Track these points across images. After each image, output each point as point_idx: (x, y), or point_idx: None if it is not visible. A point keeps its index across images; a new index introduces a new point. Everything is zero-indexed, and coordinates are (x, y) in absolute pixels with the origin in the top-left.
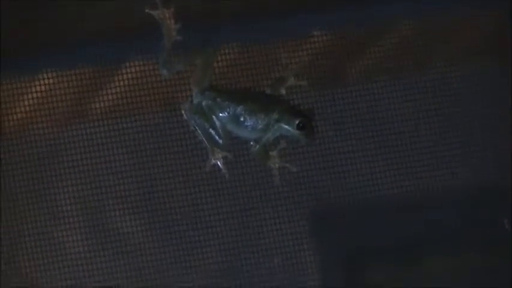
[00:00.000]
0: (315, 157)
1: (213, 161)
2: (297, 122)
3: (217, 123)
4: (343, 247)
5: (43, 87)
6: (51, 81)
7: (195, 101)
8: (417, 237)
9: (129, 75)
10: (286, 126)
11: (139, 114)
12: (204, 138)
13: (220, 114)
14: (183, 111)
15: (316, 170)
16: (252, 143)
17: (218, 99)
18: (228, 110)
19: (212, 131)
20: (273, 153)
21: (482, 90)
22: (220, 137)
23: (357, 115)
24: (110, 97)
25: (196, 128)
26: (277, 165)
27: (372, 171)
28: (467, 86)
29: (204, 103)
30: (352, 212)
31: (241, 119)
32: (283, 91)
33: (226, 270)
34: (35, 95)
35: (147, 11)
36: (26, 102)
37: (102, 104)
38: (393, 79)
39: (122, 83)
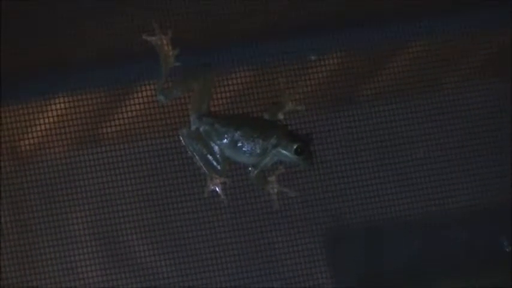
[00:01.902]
0: (314, 181)
1: (212, 187)
2: (294, 146)
3: (216, 148)
4: (351, 272)
5: (55, 112)
6: (63, 105)
7: (193, 127)
8: (426, 259)
9: (143, 99)
10: (284, 151)
11: (151, 138)
12: (202, 164)
13: (218, 140)
14: (180, 137)
15: (314, 195)
16: (250, 168)
17: (216, 125)
18: (226, 135)
19: (210, 157)
20: (272, 178)
21: (492, 110)
22: (218, 163)
23: (357, 138)
24: (122, 121)
25: (194, 154)
26: (275, 190)
27: (372, 194)
28: (478, 106)
29: (202, 129)
30: (350, 236)
31: (239, 144)
32: (281, 116)
33: None
34: (47, 120)
35: (144, 37)
36: (39, 127)
37: (114, 128)
38: (397, 101)
39: (134, 107)
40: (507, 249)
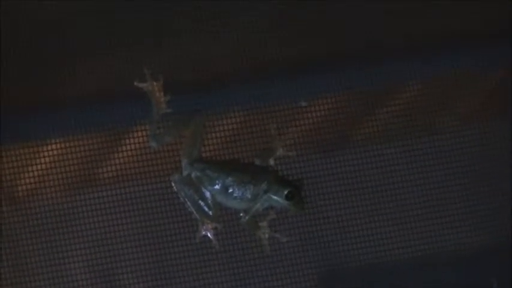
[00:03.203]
0: (305, 226)
1: (203, 232)
2: (285, 192)
3: (207, 194)
4: None
5: (50, 155)
6: (58, 147)
7: (185, 172)
8: None
9: (137, 144)
10: (275, 197)
11: (145, 182)
12: (193, 210)
13: (210, 186)
14: (172, 183)
15: (306, 240)
16: (241, 213)
17: (207, 171)
18: (217, 181)
19: (202, 202)
20: (263, 223)
21: (490, 151)
22: (209, 208)
23: (349, 183)
24: (116, 166)
25: (186, 199)
26: (267, 236)
27: (365, 238)
28: (475, 148)
29: (193, 174)
30: (343, 279)
31: (230, 190)
32: (271, 161)
33: None
34: (42, 163)
35: (135, 84)
36: (35, 168)
37: (108, 171)
38: (389, 145)
39: (129, 151)
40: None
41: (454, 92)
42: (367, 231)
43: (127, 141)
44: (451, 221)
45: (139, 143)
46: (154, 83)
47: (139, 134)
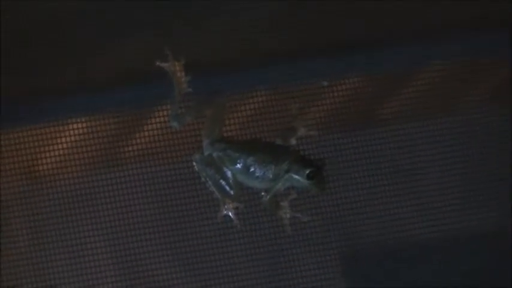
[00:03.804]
0: (327, 206)
1: (225, 212)
2: (307, 172)
3: (228, 174)
4: None
5: (72, 135)
6: (81, 126)
7: (206, 152)
8: (440, 283)
9: (159, 124)
10: (296, 177)
11: (167, 162)
12: (215, 190)
13: (231, 166)
14: (194, 163)
15: (328, 219)
16: (262, 193)
17: (228, 151)
18: (238, 161)
19: (223, 182)
20: (284, 203)
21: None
22: (231, 188)
23: (371, 162)
24: (138, 145)
25: (207, 179)
26: (288, 215)
27: (387, 218)
28: (495, 130)
29: (214, 154)
30: (365, 259)
31: (252, 169)
32: (293, 141)
33: None
34: (64, 143)
35: (157, 63)
36: (58, 147)
37: (130, 151)
38: (410, 125)
39: (151, 131)
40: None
41: (473, 76)
42: (388, 211)
43: (149, 121)
44: (472, 201)
45: (160, 122)
46: (176, 63)
47: (161, 114)
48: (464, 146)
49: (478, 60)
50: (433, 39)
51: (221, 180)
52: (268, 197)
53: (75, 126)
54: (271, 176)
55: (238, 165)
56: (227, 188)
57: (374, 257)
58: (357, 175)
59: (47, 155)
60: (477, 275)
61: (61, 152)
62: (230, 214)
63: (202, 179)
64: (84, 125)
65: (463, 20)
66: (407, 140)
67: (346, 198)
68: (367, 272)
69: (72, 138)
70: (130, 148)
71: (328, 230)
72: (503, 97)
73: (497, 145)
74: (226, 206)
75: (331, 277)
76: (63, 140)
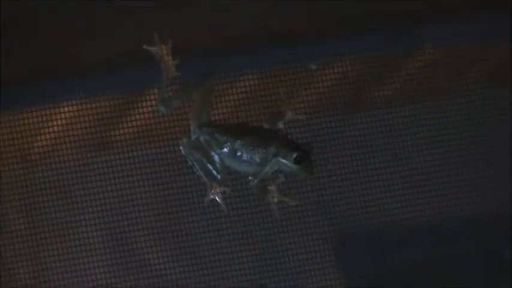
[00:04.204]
0: (314, 190)
1: (212, 196)
2: (294, 155)
3: (216, 158)
4: (356, 278)
5: (64, 118)
6: (73, 109)
7: (193, 136)
8: (431, 265)
9: (148, 107)
10: (283, 160)
11: (155, 146)
12: (202, 174)
13: (218, 150)
14: (181, 147)
15: (316, 204)
16: (250, 177)
17: (216, 135)
18: (225, 145)
19: (210, 166)
20: (272, 187)
21: (501, 117)
22: (218, 172)
23: (359, 146)
24: (128, 129)
25: (194, 163)
26: (275, 200)
27: (376, 201)
28: (487, 113)
29: (202, 138)
30: (352, 243)
31: (239, 153)
32: (281, 125)
33: None
34: (56, 124)
35: (144, 47)
36: (49, 130)
37: (120, 134)
38: (398, 109)
39: (140, 114)
40: (507, 258)
41: (469, 58)
42: (378, 195)
43: (136, 105)
44: (465, 185)
45: (148, 106)
46: (163, 47)
47: (149, 98)
48: (461, 129)
49: (475, 42)
50: (428, 21)
51: (208, 164)
52: (255, 181)
53: (66, 109)
54: (258, 160)
55: (226, 149)
56: (214, 172)
57: (363, 241)
58: (346, 159)
59: (39, 138)
60: (472, 260)
61: (52, 135)
62: (217, 198)
63: (189, 163)
64: (73, 109)
65: (460, 1)
66: (396, 124)
67: (335, 182)
68: (355, 256)
69: (63, 122)
70: (121, 131)
71: (316, 214)
72: (501, 78)
73: (495, 127)
74: (213, 191)
75: (320, 261)
76: (55, 123)
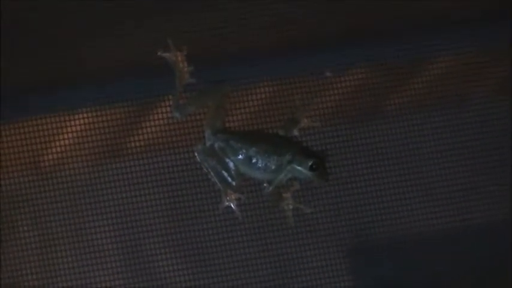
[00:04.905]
0: (329, 198)
1: (226, 203)
2: (309, 163)
3: (230, 164)
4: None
5: (77, 126)
6: (86, 118)
7: (208, 143)
8: (447, 274)
9: (163, 114)
10: (298, 168)
11: (170, 153)
12: (216, 180)
13: (233, 156)
14: (196, 154)
15: (330, 211)
16: (265, 184)
17: (231, 141)
18: (240, 151)
19: (225, 173)
20: (287, 194)
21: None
22: (233, 179)
23: (374, 154)
24: (142, 136)
25: (209, 170)
26: (290, 207)
27: (390, 210)
28: (504, 120)
29: (216, 145)
30: (367, 251)
31: (254, 160)
32: (296, 132)
33: None
34: (70, 132)
35: (159, 54)
36: (63, 137)
37: (135, 142)
38: (413, 117)
39: (155, 121)
40: None
41: (482, 67)
42: (391, 203)
43: (152, 112)
44: (481, 193)
45: (163, 113)
46: (178, 53)
47: (164, 104)
48: (475, 137)
49: (485, 52)
50: (439, 30)
51: (223, 171)
52: (270, 188)
53: (79, 116)
54: (273, 167)
55: (240, 156)
56: (229, 179)
57: (377, 249)
58: (361, 166)
59: (52, 145)
60: (483, 266)
61: (66, 142)
62: (232, 205)
63: (205, 170)
64: (87, 116)
65: (472, 10)
66: (410, 131)
67: (350, 189)
68: (370, 264)
69: (78, 128)
70: (134, 138)
71: (331, 221)
72: (507, 90)
73: (510, 134)
74: (228, 197)
75: (335, 269)
76: (68, 130)
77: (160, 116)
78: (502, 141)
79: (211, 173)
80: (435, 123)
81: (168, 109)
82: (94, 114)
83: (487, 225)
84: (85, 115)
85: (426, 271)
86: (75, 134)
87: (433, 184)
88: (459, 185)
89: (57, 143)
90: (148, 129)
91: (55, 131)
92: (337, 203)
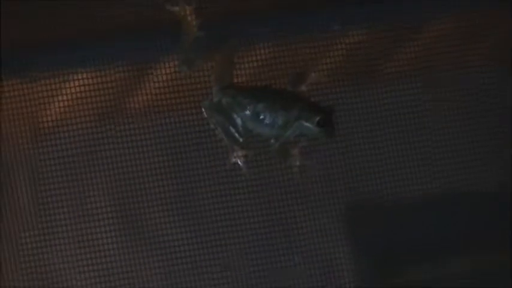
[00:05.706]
0: (336, 154)
1: (233, 160)
2: (317, 119)
3: (238, 120)
4: (369, 247)
5: (78, 84)
6: (85, 79)
7: (215, 98)
8: (443, 236)
9: (166, 75)
10: (306, 124)
11: (173, 110)
12: (224, 136)
13: (241, 112)
14: (203, 109)
15: (335, 169)
16: (272, 140)
17: (238, 97)
18: (248, 107)
19: (232, 129)
20: (294, 151)
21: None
22: (240, 135)
23: (379, 111)
24: (145, 96)
25: (216, 125)
26: (297, 163)
27: (392, 172)
28: (503, 85)
29: (224, 101)
30: (369, 211)
31: (261, 116)
32: (303, 88)
33: (256, 270)
34: (69, 94)
35: (167, 7)
36: (62, 98)
37: (137, 102)
38: (418, 79)
39: (158, 83)
40: None
41: (483, 30)
42: (392, 165)
43: (158, 71)
44: (477, 159)
45: (171, 68)
46: (186, 7)
47: (168, 66)
48: (475, 102)
49: (484, 13)
50: None
51: (230, 127)
52: (277, 144)
53: (81, 76)
54: (280, 122)
55: (248, 112)
56: (236, 134)
57: (375, 208)
58: (363, 123)
59: (51, 106)
60: (478, 231)
61: (65, 103)
62: (239, 161)
63: (212, 126)
64: (91, 75)
65: None
66: (413, 94)
67: (351, 146)
68: (367, 222)
69: (77, 89)
70: (139, 99)
71: (332, 180)
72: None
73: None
74: (235, 154)
75: (337, 226)
76: (68, 91)
77: (168, 71)
78: (500, 104)
79: (219, 129)
80: (437, 86)
81: (173, 69)
82: (94, 74)
83: (486, 191)
84: (85, 75)
85: (423, 234)
86: (75, 94)
87: (434, 148)
88: (459, 150)
89: (57, 103)
90: (156, 85)
91: (55, 92)
92: (338, 160)
